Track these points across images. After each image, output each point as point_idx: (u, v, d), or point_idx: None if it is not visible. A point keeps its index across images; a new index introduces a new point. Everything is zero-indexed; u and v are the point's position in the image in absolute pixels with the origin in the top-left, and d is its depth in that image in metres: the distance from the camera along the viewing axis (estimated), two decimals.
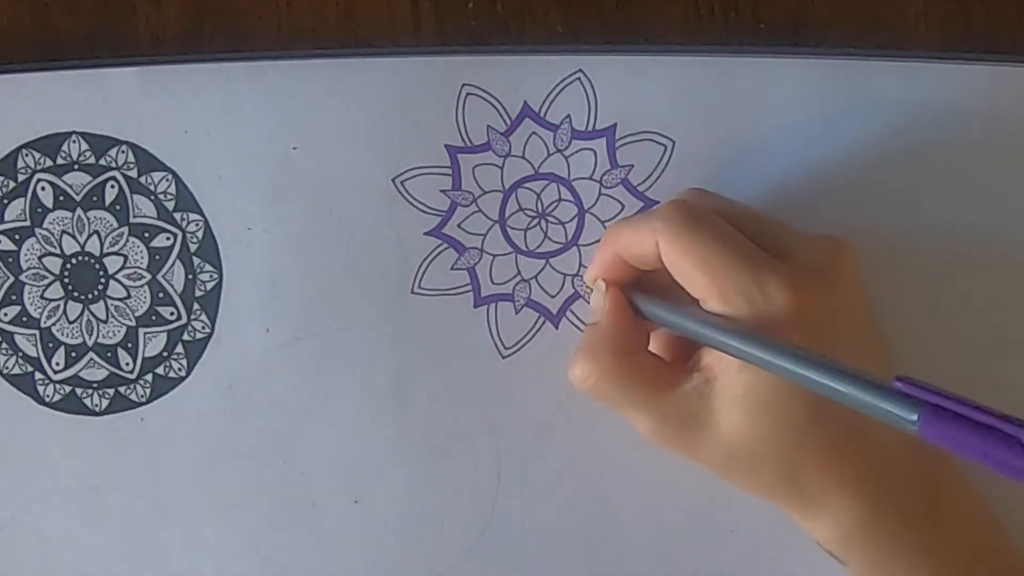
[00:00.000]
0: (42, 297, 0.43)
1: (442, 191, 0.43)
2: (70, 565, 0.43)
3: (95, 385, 0.43)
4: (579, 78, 0.42)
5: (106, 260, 0.43)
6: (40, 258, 0.43)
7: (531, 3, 0.43)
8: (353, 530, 0.43)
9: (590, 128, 0.43)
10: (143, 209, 0.43)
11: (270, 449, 0.43)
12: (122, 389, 0.43)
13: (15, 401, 0.43)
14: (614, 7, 0.43)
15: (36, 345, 0.43)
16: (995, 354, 0.43)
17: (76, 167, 0.43)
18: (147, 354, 0.43)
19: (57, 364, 0.43)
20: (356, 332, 0.43)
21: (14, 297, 0.43)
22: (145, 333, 0.43)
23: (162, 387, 0.43)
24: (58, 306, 0.43)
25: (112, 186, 0.43)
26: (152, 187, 0.43)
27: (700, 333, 0.36)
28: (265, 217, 0.43)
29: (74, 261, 0.43)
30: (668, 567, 0.43)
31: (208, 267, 0.43)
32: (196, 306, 0.43)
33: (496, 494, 0.43)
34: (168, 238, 0.43)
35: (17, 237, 0.43)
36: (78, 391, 0.43)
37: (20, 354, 0.43)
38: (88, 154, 0.43)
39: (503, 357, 0.43)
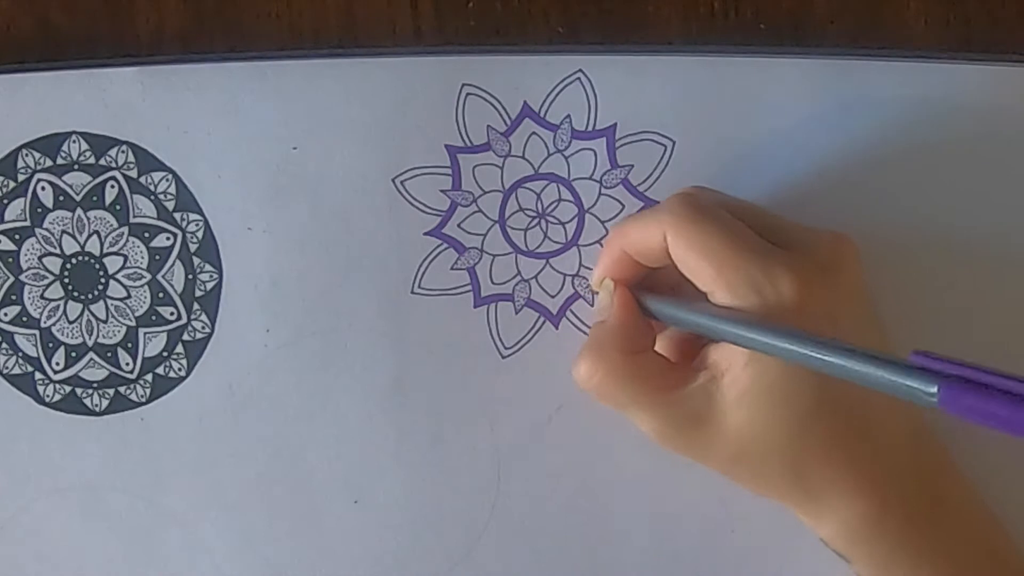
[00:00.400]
0: (42, 297, 0.43)
1: (442, 191, 0.43)
2: (70, 565, 0.43)
3: (95, 385, 0.43)
4: (579, 78, 0.42)
5: (106, 260, 0.43)
6: (40, 258, 0.43)
7: (531, 3, 0.43)
8: (353, 530, 0.43)
9: (590, 128, 0.43)
10: (143, 209, 0.43)
11: (270, 449, 0.43)
12: (122, 389, 0.43)
13: (15, 401, 0.43)
14: (614, 7, 0.43)
15: (36, 345, 0.43)
16: (995, 354, 0.43)
17: (76, 167, 0.43)
18: (147, 354, 0.43)
19: (57, 364, 0.43)
20: (356, 332, 0.43)
21: (14, 297, 0.43)
22: (145, 333, 0.43)
23: (162, 387, 0.43)
24: (58, 306, 0.43)
25: (112, 186, 0.43)
26: (152, 187, 0.43)
27: (708, 326, 0.36)
28: (265, 217, 0.43)
29: (74, 261, 0.43)
30: (668, 567, 0.43)
31: (208, 267, 0.43)
32: (196, 306, 0.43)
33: (496, 494, 0.43)
34: (168, 238, 0.43)
35: (17, 237, 0.43)
36: (78, 391, 0.43)
37: (20, 354, 0.43)
38: (88, 154, 0.43)
39: (503, 357, 0.43)
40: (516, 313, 0.43)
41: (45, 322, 0.43)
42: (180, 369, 0.43)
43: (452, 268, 0.43)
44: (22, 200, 0.43)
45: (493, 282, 0.43)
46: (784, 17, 0.43)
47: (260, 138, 0.42)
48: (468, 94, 0.42)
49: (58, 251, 0.43)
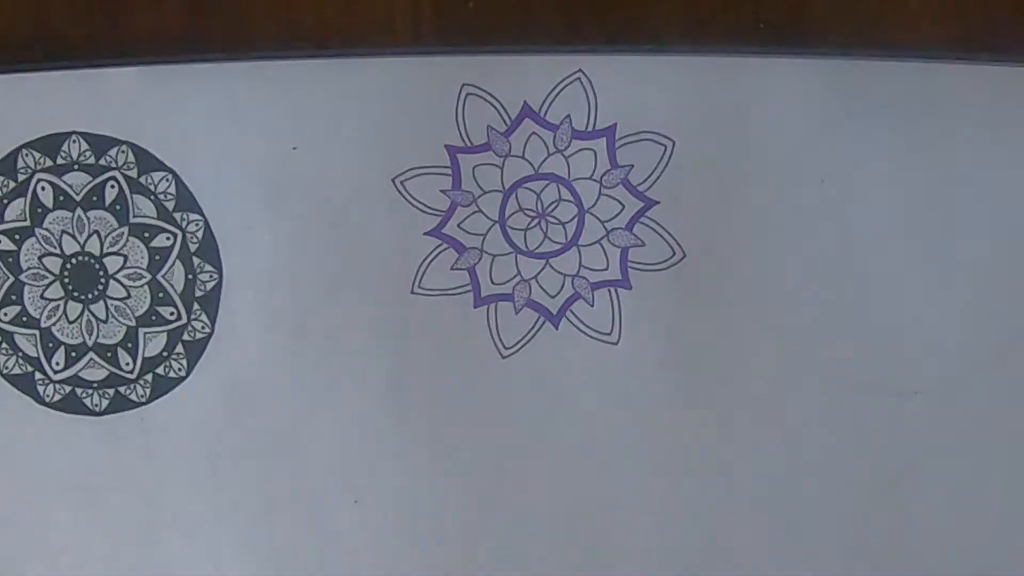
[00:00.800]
0: (42, 297, 0.43)
1: (442, 191, 0.43)
2: (70, 565, 0.43)
3: (95, 385, 0.43)
4: (579, 78, 0.42)
5: (106, 260, 0.43)
6: (40, 258, 0.43)
7: (531, 3, 0.43)
8: (353, 530, 0.43)
9: (590, 128, 0.43)
10: (143, 209, 0.43)
11: (270, 449, 0.43)
12: (122, 389, 0.43)
13: (15, 401, 0.43)
14: (614, 7, 0.43)
15: (36, 345, 0.43)
16: (995, 354, 0.43)
17: (76, 167, 0.43)
18: (147, 354, 0.43)
19: (57, 364, 0.43)
20: (356, 332, 0.43)
21: (14, 297, 0.43)
22: (145, 333, 0.43)
23: (162, 387, 0.43)
24: (58, 306, 0.43)
25: (112, 186, 0.43)
26: (152, 187, 0.43)
27: None
28: (265, 217, 0.43)
29: (74, 261, 0.43)
30: (668, 567, 0.43)
31: (208, 267, 0.43)
32: (196, 306, 0.43)
33: (496, 494, 0.43)
34: (168, 238, 0.43)
35: (17, 237, 0.43)
36: (78, 391, 0.43)
37: (20, 354, 0.43)
38: (88, 154, 0.43)
39: (503, 357, 0.43)
40: (516, 313, 0.43)
41: (45, 322, 0.43)
42: (180, 369, 0.43)
43: (452, 268, 0.43)
44: (22, 200, 0.43)
45: (493, 282, 0.43)
46: (784, 17, 0.43)
47: (260, 138, 0.42)
48: (468, 94, 0.42)
49: (58, 251, 0.43)
